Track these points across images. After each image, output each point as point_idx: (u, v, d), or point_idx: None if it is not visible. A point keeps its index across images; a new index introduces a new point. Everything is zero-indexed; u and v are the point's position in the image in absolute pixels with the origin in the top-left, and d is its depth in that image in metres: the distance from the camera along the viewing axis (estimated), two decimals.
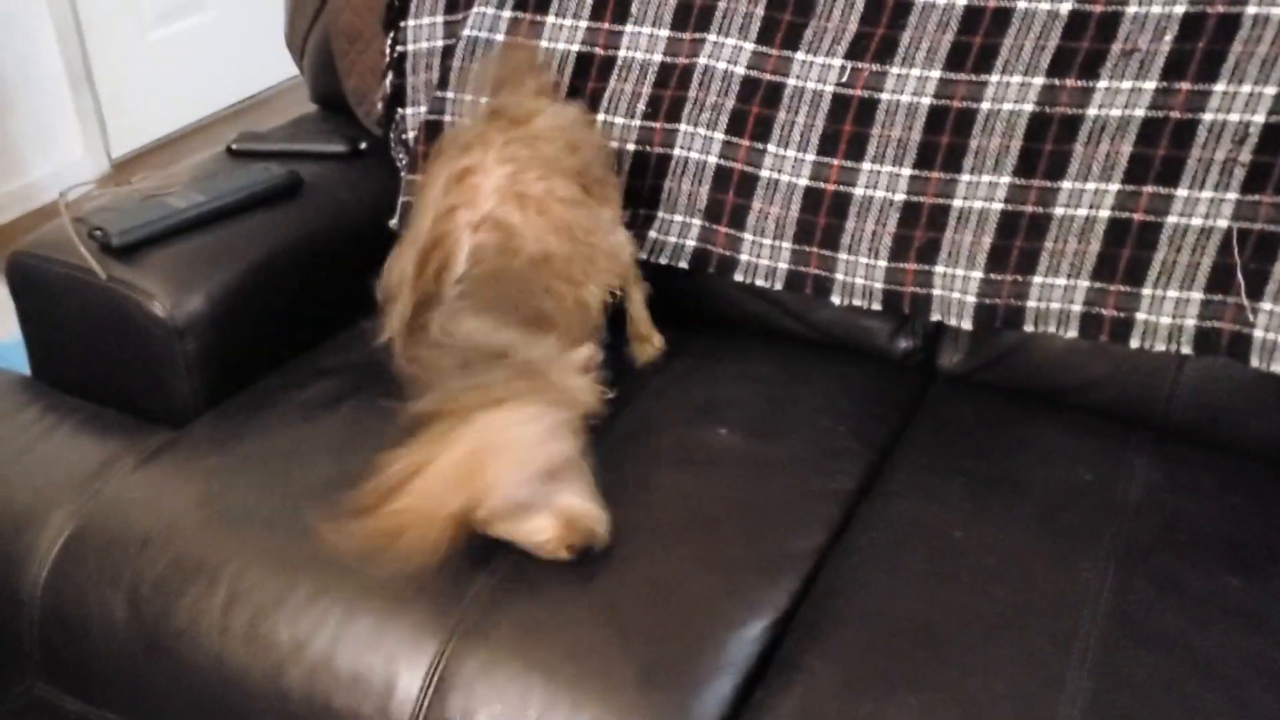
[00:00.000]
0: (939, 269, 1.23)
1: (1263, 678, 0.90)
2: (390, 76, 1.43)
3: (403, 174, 1.42)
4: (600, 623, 0.98)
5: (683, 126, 1.30)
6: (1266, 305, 1.11)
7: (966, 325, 1.23)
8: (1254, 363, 1.12)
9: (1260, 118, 1.10)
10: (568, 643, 0.97)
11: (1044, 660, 0.92)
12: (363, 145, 1.47)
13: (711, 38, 1.29)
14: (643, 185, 1.33)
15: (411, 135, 1.42)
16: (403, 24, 1.41)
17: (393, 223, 1.41)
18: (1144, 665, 0.91)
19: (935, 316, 1.25)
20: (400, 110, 1.43)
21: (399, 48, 1.42)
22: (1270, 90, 1.10)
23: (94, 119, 2.94)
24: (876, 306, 1.27)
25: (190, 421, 1.23)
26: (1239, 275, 1.12)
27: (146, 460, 1.17)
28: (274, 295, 1.31)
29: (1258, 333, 1.11)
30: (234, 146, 1.46)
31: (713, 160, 1.30)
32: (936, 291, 1.23)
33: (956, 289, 1.22)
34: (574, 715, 0.93)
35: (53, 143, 2.87)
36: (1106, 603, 0.97)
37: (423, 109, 1.41)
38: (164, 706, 1.07)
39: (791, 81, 1.27)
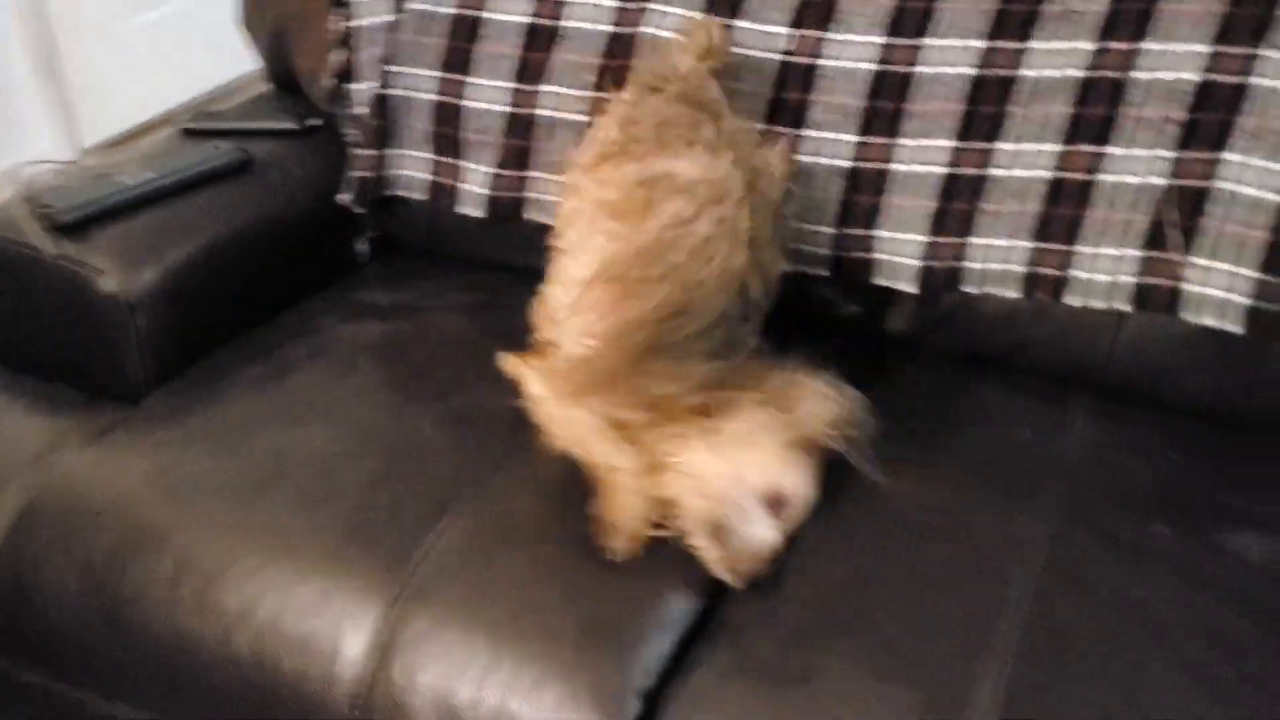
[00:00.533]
0: (882, 234, 1.24)
1: (1192, 624, 0.92)
2: (338, 53, 1.43)
3: (353, 149, 1.43)
4: (544, 583, 0.99)
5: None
6: (1199, 260, 1.12)
7: (910, 289, 1.24)
8: (1188, 317, 1.14)
9: (1191, 75, 1.12)
10: (511, 602, 0.98)
11: (978, 611, 0.94)
12: (312, 122, 1.48)
13: (656, 6, 1.30)
14: None
15: (361, 110, 1.43)
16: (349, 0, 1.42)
17: (342, 197, 1.42)
18: (1076, 614, 0.93)
19: (880, 281, 1.26)
20: (350, 86, 1.44)
21: (346, 24, 1.42)
22: (1200, 48, 1.11)
23: (61, 110, 2.94)
24: (824, 273, 1.28)
25: (143, 397, 1.24)
26: (1172, 231, 1.13)
27: (98, 436, 1.18)
28: (225, 270, 1.31)
29: (1192, 288, 1.13)
30: (187, 126, 1.46)
31: None
32: (881, 256, 1.25)
33: (900, 253, 1.24)
34: (516, 673, 0.94)
35: (21, 134, 2.86)
36: (1042, 555, 0.99)
37: (372, 83, 1.42)
38: (118, 674, 1.08)
39: (738, 50, 1.28)
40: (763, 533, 0.99)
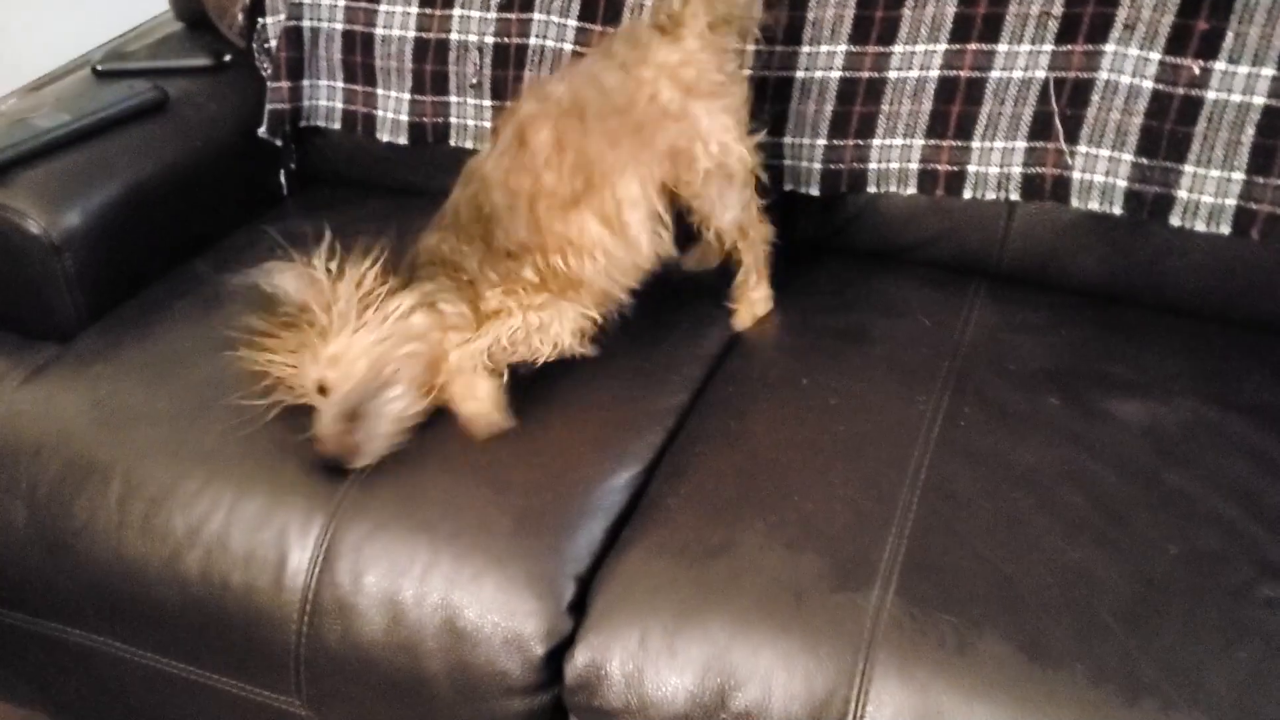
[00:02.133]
0: (786, 140, 1.29)
1: (1072, 481, 1.00)
2: None
3: (268, 82, 1.44)
4: (477, 481, 1.04)
5: (536, 15, 1.34)
6: (1082, 148, 1.19)
7: (814, 192, 1.30)
8: (1074, 203, 1.21)
9: None
10: (447, 502, 1.03)
11: (878, 481, 1.01)
12: (227, 58, 1.49)
13: None
14: (505, 77, 1.37)
15: (273, 43, 1.44)
16: None
17: (261, 131, 1.44)
18: (968, 479, 1.00)
19: (787, 186, 1.31)
20: (261, 20, 1.45)
21: None
22: None
23: None
24: None
25: (75, 335, 1.26)
26: (1057, 122, 1.19)
27: (34, 374, 1.20)
28: (149, 208, 1.33)
29: (1076, 174, 1.20)
30: (99, 67, 1.47)
31: (568, 48, 1.34)
32: (786, 162, 1.30)
33: (804, 158, 1.29)
34: (457, 567, 0.99)
35: None
36: (939, 429, 1.06)
37: (282, 16, 1.43)
38: (70, 602, 1.12)
39: None
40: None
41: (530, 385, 1.12)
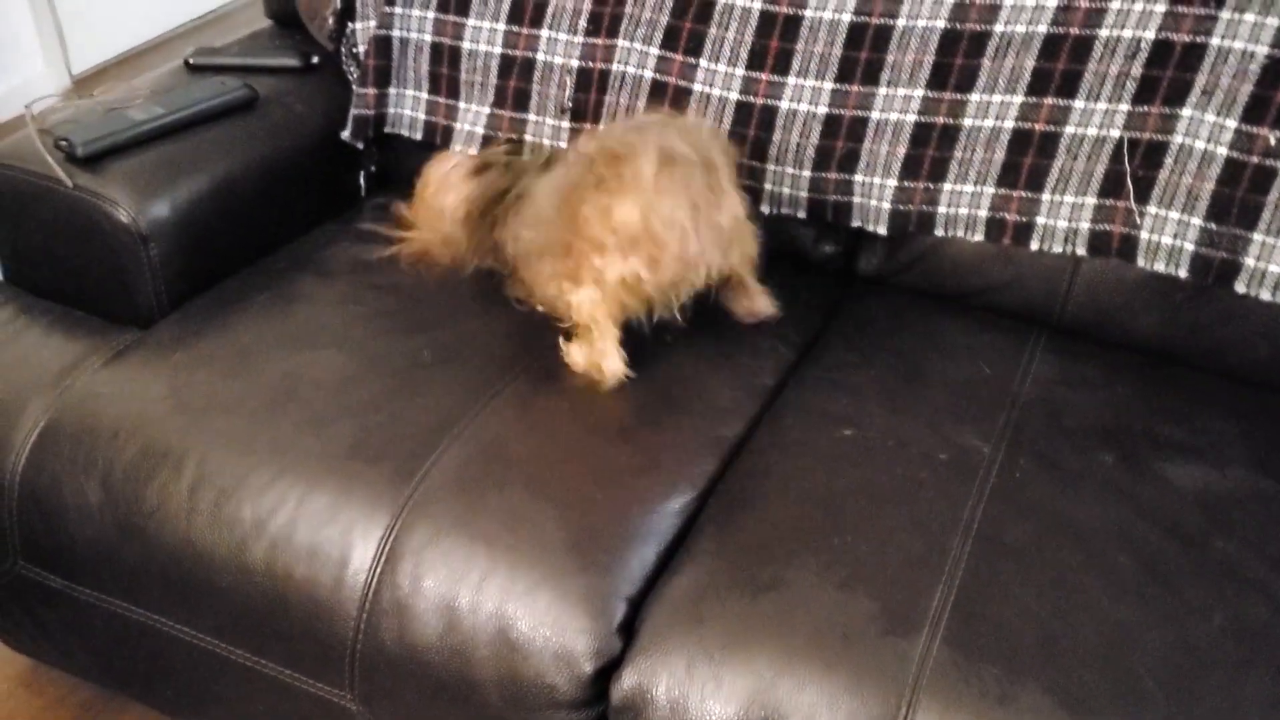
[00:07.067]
0: (858, 178, 1.31)
1: (1122, 541, 1.01)
2: None
3: (354, 87, 1.48)
4: (535, 496, 1.07)
5: (620, 42, 1.37)
6: (1152, 209, 1.20)
7: (882, 230, 1.32)
8: (1140, 262, 1.22)
9: (1150, 34, 1.18)
10: (506, 515, 1.06)
11: (931, 528, 1.03)
12: (315, 60, 1.53)
13: None
14: (587, 100, 1.40)
15: (362, 49, 1.48)
16: None
17: (344, 135, 1.48)
18: (1019, 532, 1.02)
19: (855, 222, 1.33)
20: (351, 25, 1.49)
21: None
22: (1159, 8, 1.18)
23: (54, 36, 2.96)
24: (802, 214, 1.36)
25: (155, 322, 1.31)
26: (1128, 181, 1.21)
27: (114, 358, 1.25)
28: (233, 202, 1.37)
29: (1144, 235, 1.21)
30: (191, 61, 1.51)
31: (649, 75, 1.37)
32: (856, 199, 1.32)
33: (874, 196, 1.31)
34: (512, 577, 1.02)
35: (14, 60, 2.89)
36: (993, 479, 1.08)
37: (372, 23, 1.47)
38: (137, 582, 1.16)
39: None
40: None
41: (588, 408, 1.15)
